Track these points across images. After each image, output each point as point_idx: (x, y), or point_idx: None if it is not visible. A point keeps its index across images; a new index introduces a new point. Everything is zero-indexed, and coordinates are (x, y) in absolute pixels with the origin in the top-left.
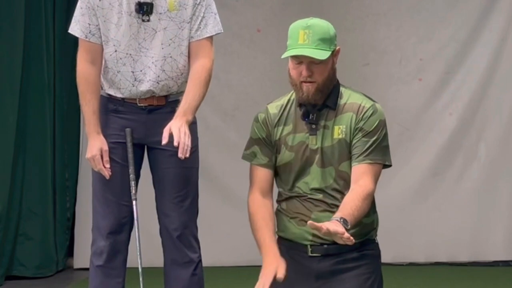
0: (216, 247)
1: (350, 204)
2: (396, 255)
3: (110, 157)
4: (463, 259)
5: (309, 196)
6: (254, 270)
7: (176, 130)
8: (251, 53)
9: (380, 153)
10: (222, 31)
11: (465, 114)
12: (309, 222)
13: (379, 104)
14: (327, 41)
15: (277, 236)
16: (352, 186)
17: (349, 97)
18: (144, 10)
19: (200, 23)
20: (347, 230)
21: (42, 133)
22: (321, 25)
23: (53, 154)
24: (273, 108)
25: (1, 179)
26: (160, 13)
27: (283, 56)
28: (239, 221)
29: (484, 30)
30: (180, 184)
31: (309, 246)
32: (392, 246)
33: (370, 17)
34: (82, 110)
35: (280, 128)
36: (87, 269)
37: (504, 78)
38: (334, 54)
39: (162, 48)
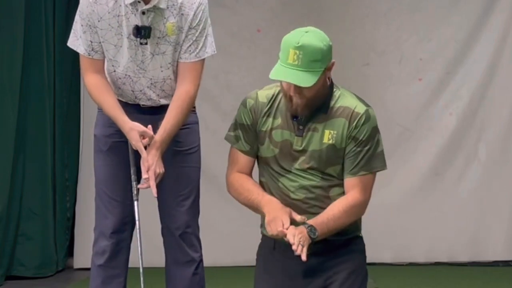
0: (216, 247)
1: (329, 213)
2: (396, 255)
3: (113, 157)
4: (463, 259)
5: (292, 196)
6: (254, 270)
7: (148, 166)
8: (251, 53)
9: (373, 162)
10: (215, 52)
11: (465, 114)
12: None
13: (371, 108)
14: (318, 62)
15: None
16: (343, 196)
17: (341, 100)
18: (142, 34)
19: (190, 46)
20: (313, 238)
21: (42, 133)
22: (314, 45)
23: (53, 154)
24: (263, 96)
25: (1, 179)
26: (158, 37)
27: (270, 76)
28: (239, 221)
29: (484, 30)
30: (182, 183)
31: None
32: (392, 246)
33: (370, 17)
34: (105, 112)
35: (268, 120)
36: (87, 269)
37: (504, 78)
38: (328, 68)
39: (162, 71)
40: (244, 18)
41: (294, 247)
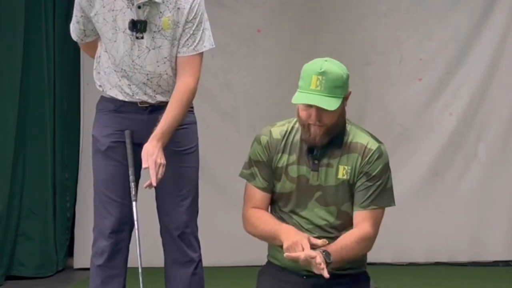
0: (216, 247)
1: (341, 242)
2: (396, 255)
3: (111, 157)
4: (463, 259)
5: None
6: (254, 270)
7: (148, 156)
8: (251, 53)
9: (383, 198)
10: (213, 46)
11: (465, 114)
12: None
13: (383, 144)
14: (339, 88)
15: (267, 260)
16: (352, 228)
17: (354, 136)
18: (138, 28)
19: (187, 40)
20: (328, 264)
21: (42, 133)
22: (336, 71)
23: (53, 154)
24: (277, 133)
25: (1, 179)
26: (154, 32)
27: (293, 101)
28: (239, 221)
29: (484, 30)
30: (181, 183)
31: (304, 277)
32: (392, 246)
33: (370, 17)
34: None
35: (284, 156)
36: (87, 269)
37: (504, 78)
38: (346, 97)
39: (158, 66)
40: (244, 18)
41: (318, 261)
